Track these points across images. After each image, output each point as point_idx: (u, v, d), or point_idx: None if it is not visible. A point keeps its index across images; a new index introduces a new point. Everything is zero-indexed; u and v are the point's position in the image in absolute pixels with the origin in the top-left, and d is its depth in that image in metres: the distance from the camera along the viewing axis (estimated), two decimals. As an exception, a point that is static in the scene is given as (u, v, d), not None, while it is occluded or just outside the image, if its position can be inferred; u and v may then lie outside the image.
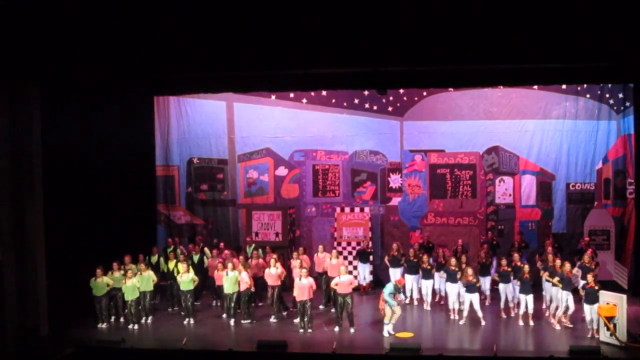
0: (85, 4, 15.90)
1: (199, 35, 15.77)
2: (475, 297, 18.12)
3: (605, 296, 16.53)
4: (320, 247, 20.83)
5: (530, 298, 17.78)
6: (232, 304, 18.70)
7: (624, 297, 16.42)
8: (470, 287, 18.15)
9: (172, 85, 20.09)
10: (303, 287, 17.77)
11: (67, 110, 19.09)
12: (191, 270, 19.32)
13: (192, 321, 18.89)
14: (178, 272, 19.45)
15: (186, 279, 18.96)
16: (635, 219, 20.80)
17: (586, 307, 16.79)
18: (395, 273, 20.32)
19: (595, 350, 15.55)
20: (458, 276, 18.61)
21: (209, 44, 15.85)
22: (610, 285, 19.18)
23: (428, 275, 20.01)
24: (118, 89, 19.74)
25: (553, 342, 16.81)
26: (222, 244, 22.27)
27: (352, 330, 17.77)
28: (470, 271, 18.33)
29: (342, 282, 17.91)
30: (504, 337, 17.18)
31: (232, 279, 18.63)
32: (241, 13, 15.55)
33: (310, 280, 18.02)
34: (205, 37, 15.78)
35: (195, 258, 21.20)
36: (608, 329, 16.08)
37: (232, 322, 18.69)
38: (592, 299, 16.62)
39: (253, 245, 21.81)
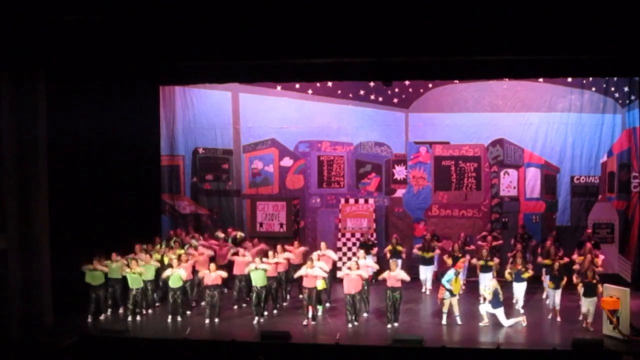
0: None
1: (204, 25, 15.73)
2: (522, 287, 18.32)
3: (609, 289, 16.54)
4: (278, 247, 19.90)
5: (558, 293, 17.67)
6: (261, 301, 17.93)
7: (628, 290, 16.43)
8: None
9: (177, 75, 20.06)
10: (351, 280, 17.43)
11: (72, 99, 19.10)
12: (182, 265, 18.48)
13: (179, 319, 18.10)
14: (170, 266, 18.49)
15: (176, 275, 18.07)
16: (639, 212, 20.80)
17: (583, 300, 16.92)
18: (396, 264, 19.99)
19: (598, 343, 15.56)
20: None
21: (215, 33, 15.81)
22: (614, 279, 19.20)
23: (487, 268, 19.19)
24: (123, 79, 19.76)
25: (556, 335, 16.87)
26: (230, 229, 22.35)
27: (395, 324, 17.42)
28: (519, 260, 18.40)
29: (392, 277, 17.53)
30: (507, 329, 17.16)
31: (261, 272, 17.88)
32: (247, 3, 15.53)
33: (360, 273, 17.64)
34: (211, 27, 15.74)
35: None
36: (611, 322, 16.09)
37: (261, 319, 17.98)
38: (589, 292, 16.72)
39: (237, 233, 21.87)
